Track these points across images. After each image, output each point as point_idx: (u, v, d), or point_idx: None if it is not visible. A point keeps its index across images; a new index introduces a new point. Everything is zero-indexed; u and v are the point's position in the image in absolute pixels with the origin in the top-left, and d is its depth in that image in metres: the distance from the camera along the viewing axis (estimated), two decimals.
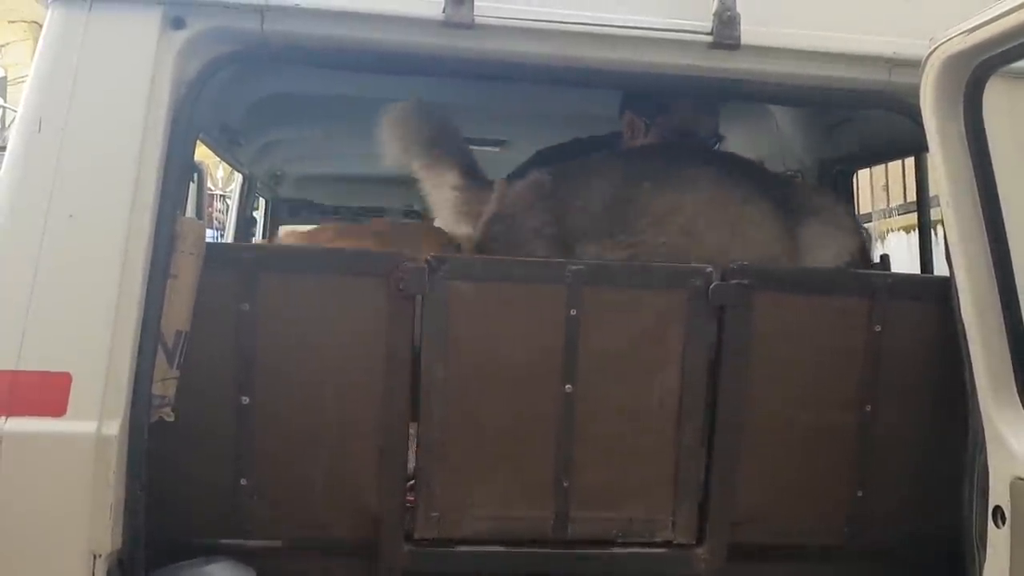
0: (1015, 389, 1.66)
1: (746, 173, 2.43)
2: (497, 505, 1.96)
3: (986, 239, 1.67)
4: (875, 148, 3.02)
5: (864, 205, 5.59)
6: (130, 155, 1.70)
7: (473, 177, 2.50)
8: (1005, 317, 1.68)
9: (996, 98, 1.73)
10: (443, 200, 2.47)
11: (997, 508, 1.63)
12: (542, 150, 2.80)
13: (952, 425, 1.86)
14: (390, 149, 2.46)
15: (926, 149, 1.83)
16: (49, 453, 1.58)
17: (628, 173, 2.36)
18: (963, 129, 1.70)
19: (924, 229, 3.03)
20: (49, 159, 1.69)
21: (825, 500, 2.04)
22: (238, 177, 4.76)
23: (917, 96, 1.74)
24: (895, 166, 5.96)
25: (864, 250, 2.41)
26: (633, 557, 2.00)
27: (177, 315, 1.80)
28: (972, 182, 1.70)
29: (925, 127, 1.74)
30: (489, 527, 1.96)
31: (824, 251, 2.29)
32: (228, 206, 5.81)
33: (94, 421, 1.60)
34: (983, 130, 1.69)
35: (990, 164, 1.69)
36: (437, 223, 2.56)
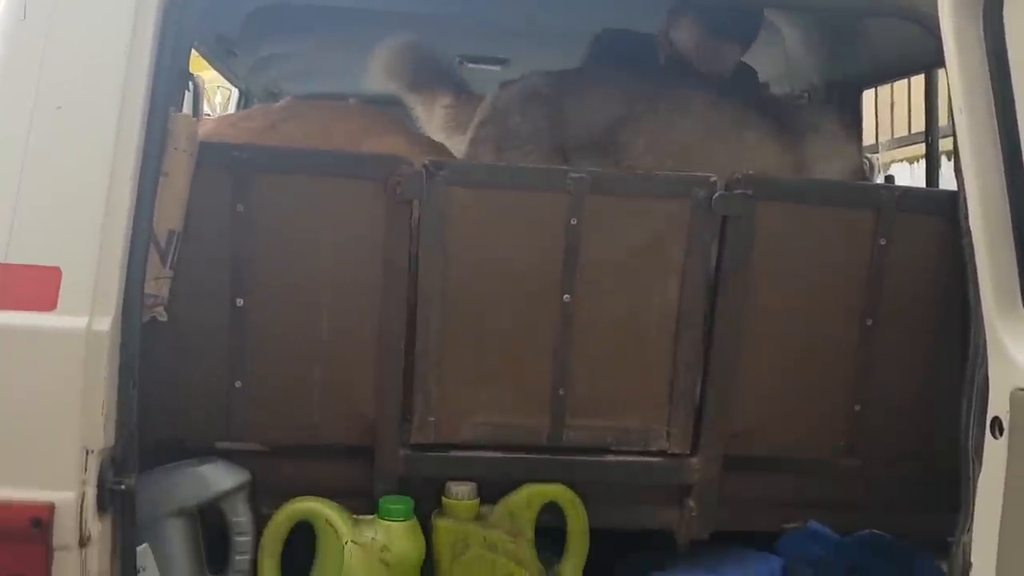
0: (1020, 302, 1.64)
1: (747, 94, 2.40)
2: (494, 412, 1.96)
3: (999, 147, 1.62)
4: (884, 65, 2.96)
5: (868, 135, 5.53)
6: (120, 45, 1.64)
7: (465, 95, 2.54)
8: (1015, 229, 1.64)
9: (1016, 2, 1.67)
10: (435, 119, 2.53)
11: (995, 419, 1.62)
12: (599, 34, 2.71)
13: (953, 339, 1.85)
14: (381, 85, 2.56)
15: (939, 64, 1.78)
16: (39, 347, 1.56)
17: (628, 90, 2.32)
18: (982, 33, 1.64)
19: (932, 149, 2.98)
20: (35, 48, 1.63)
21: (822, 413, 2.04)
22: (233, 94, 4.68)
23: (933, 3, 1.68)
24: (901, 95, 5.88)
25: (864, 172, 2.38)
26: (627, 465, 2.00)
27: (169, 214, 1.76)
28: (988, 89, 1.65)
29: (941, 32, 1.68)
30: (486, 433, 1.96)
31: (828, 167, 2.26)
32: None
33: (85, 316, 1.57)
34: (1003, 35, 1.63)
35: (1008, 73, 1.64)
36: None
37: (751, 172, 1.96)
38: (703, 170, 1.99)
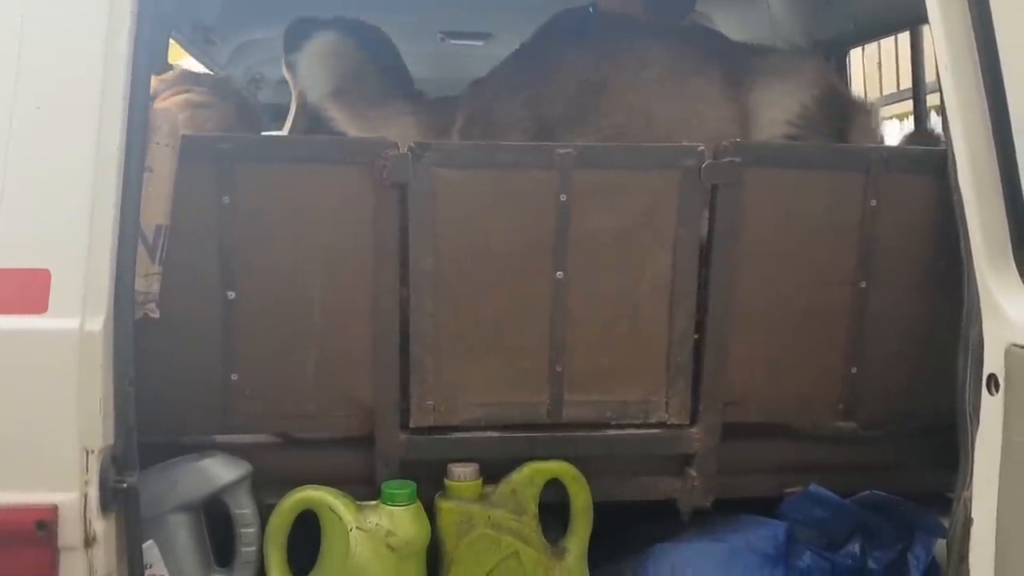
0: (1012, 258, 1.64)
1: (702, 44, 2.40)
2: (492, 392, 1.96)
3: (985, 102, 1.62)
4: (870, 24, 2.94)
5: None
6: (96, 40, 1.62)
7: (421, 96, 2.48)
8: (1003, 185, 1.64)
9: None
10: (403, 127, 2.39)
11: (991, 376, 1.62)
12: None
13: (948, 299, 1.84)
14: (315, 90, 2.37)
15: (922, 21, 1.77)
16: (33, 350, 1.55)
17: (589, 57, 2.35)
18: None
19: (919, 107, 2.97)
20: (11, 48, 1.61)
21: (819, 378, 2.04)
22: None
23: None
24: (888, 53, 5.85)
25: (823, 100, 2.33)
26: (627, 438, 2.00)
27: (155, 209, 1.75)
28: (973, 45, 1.64)
29: None
30: (484, 413, 1.96)
31: (770, 110, 2.26)
32: None
33: (77, 317, 1.56)
34: None
35: (992, 27, 1.63)
36: None
37: (738, 139, 1.96)
38: (659, 127, 1.99)
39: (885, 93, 6.55)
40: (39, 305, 1.57)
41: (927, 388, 1.96)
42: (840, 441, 2.11)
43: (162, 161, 1.76)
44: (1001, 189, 1.64)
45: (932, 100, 2.84)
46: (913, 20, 2.79)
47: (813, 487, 2.03)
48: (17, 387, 1.55)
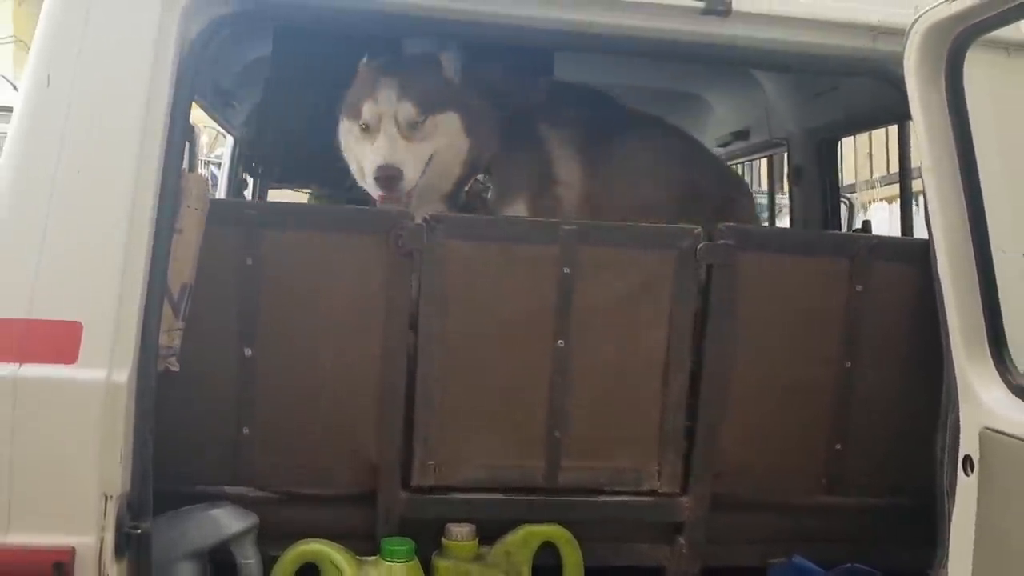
0: (987, 345, 1.74)
1: None
2: (492, 454, 2.03)
3: (964, 202, 1.73)
4: (860, 116, 3.09)
5: (848, 175, 5.69)
6: (136, 111, 1.73)
7: None
8: (979, 277, 1.75)
9: (976, 68, 1.79)
10: None
11: (967, 457, 1.71)
12: None
13: (928, 381, 1.94)
14: None
15: (909, 117, 1.89)
16: (62, 398, 1.63)
17: None
18: (944, 96, 1.76)
19: (905, 194, 3.10)
20: (58, 114, 1.72)
21: (805, 453, 2.12)
22: (228, 142, 4.76)
23: (901, 64, 1.79)
24: (879, 138, 6.05)
25: None
26: (620, 505, 2.07)
27: (182, 269, 1.85)
28: (952, 148, 1.75)
29: (908, 94, 1.80)
30: (484, 475, 2.04)
31: None
32: (212, 173, 5.80)
33: (104, 369, 1.65)
34: (963, 97, 1.74)
35: (969, 130, 1.75)
36: None
37: (733, 224, 2.08)
38: None
39: (876, 176, 6.77)
40: (70, 355, 1.65)
41: (908, 466, 2.04)
42: (824, 514, 2.18)
43: (191, 223, 1.86)
44: (978, 284, 1.74)
45: (918, 185, 2.96)
46: (901, 115, 2.93)
47: (796, 558, 2.09)
48: (44, 433, 1.62)
